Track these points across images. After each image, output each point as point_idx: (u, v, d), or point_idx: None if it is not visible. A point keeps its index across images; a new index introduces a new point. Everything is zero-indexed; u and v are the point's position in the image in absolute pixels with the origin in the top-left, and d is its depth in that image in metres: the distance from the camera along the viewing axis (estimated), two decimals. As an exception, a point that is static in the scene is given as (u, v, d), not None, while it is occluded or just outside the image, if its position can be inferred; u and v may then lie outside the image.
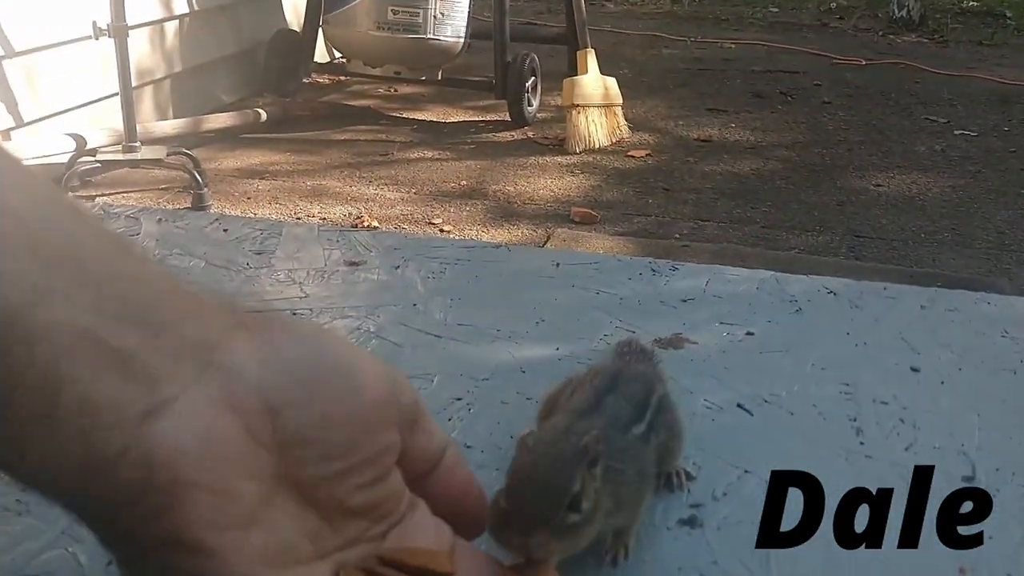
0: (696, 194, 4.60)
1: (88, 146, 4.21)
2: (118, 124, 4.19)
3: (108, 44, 4.01)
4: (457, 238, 3.82)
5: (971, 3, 9.68)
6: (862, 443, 0.74)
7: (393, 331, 0.90)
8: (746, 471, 0.71)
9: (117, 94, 4.12)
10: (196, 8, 5.30)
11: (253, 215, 4.09)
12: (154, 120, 4.93)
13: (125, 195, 4.19)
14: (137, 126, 4.17)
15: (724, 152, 5.20)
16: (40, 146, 4.09)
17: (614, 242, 3.97)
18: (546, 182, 4.66)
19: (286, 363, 0.48)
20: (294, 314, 0.93)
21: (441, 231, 4.04)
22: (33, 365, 0.42)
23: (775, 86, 6.51)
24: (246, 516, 0.45)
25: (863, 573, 0.62)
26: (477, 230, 4.08)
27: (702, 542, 0.64)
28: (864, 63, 7.19)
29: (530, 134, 5.33)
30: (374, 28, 5.18)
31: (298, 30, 5.65)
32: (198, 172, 4.14)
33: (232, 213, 4.06)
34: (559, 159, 4.97)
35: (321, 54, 5.86)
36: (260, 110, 5.23)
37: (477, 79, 5.49)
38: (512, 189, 4.57)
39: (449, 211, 4.27)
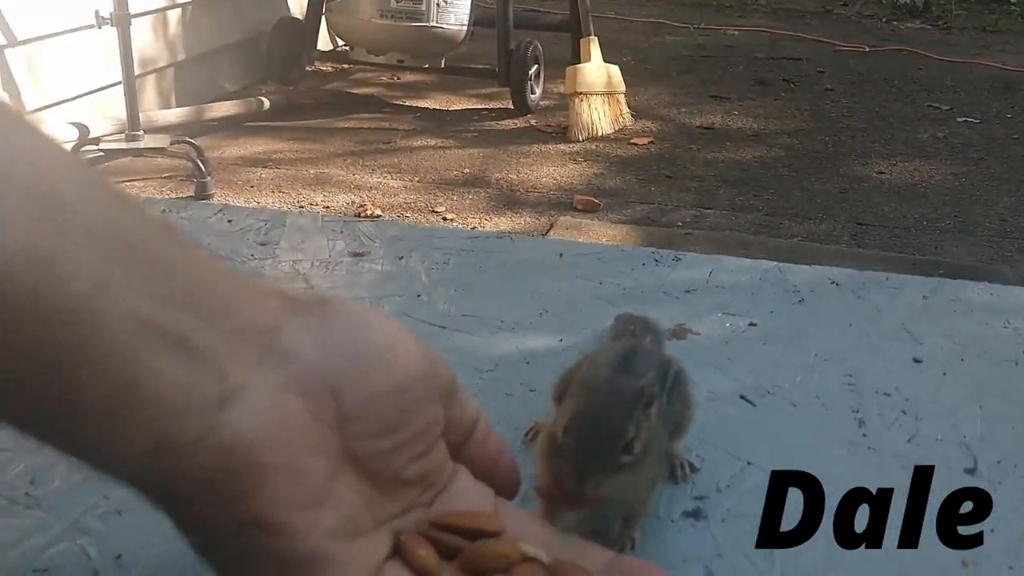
0: (699, 182, 4.59)
1: (91, 135, 4.20)
2: (121, 113, 4.18)
3: (111, 33, 4.01)
4: (460, 227, 3.82)
5: (975, -11, 9.64)
6: (864, 435, 0.75)
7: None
8: (749, 463, 0.71)
9: (120, 83, 4.11)
10: (198, -4, 5.29)
11: (256, 203, 4.09)
12: (157, 109, 4.93)
13: (128, 184, 4.18)
14: (140, 115, 4.17)
15: (727, 139, 5.19)
16: (43, 135, 4.09)
17: (617, 230, 3.97)
18: (549, 170, 4.66)
19: (338, 344, 0.50)
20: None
21: (444, 219, 4.03)
22: (104, 355, 0.43)
23: (778, 73, 6.49)
24: (319, 494, 0.47)
25: (866, 563, 0.62)
26: (480, 218, 4.07)
27: (707, 534, 0.64)
28: (867, 50, 7.17)
29: (533, 122, 5.32)
30: (377, 16, 5.17)
31: (301, 18, 5.63)
32: (201, 161, 4.14)
33: (235, 202, 4.06)
34: (562, 147, 4.96)
35: (324, 42, 5.85)
36: (263, 98, 5.22)
37: (480, 67, 5.47)
38: (515, 177, 4.56)
39: (452, 199, 4.27)
